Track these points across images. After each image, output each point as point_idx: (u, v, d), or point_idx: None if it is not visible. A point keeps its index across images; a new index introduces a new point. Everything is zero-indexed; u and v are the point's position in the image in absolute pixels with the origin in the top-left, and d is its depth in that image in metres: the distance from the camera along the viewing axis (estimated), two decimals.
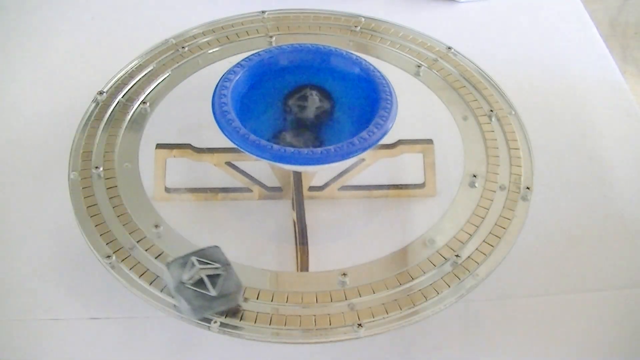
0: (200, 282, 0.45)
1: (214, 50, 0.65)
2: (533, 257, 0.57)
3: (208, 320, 0.45)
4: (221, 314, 0.46)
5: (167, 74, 0.63)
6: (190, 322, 0.46)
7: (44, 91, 0.71)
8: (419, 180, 0.60)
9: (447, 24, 0.81)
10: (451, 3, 0.84)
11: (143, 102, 0.60)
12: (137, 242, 0.50)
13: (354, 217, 0.59)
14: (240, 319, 0.46)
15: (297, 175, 0.56)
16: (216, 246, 0.48)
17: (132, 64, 0.63)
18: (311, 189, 0.59)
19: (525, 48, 0.79)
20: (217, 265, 0.46)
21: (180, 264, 0.46)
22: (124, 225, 0.51)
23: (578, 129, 0.69)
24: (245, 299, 0.47)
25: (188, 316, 0.45)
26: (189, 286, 0.45)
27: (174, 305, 0.46)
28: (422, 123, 0.65)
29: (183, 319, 0.46)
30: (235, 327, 0.46)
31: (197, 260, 0.46)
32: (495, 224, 0.52)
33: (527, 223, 0.52)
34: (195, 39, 0.66)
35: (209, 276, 0.45)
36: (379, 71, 0.56)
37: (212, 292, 0.45)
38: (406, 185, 0.60)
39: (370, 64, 0.57)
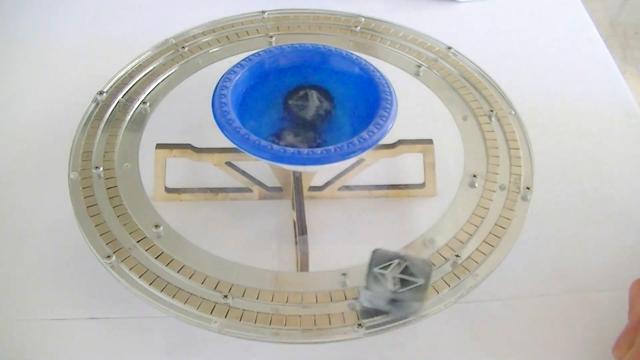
0: (404, 282, 0.45)
1: (214, 50, 0.65)
2: (533, 257, 0.57)
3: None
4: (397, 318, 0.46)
5: (167, 74, 0.63)
6: (190, 322, 0.46)
7: (43, 91, 0.71)
8: (419, 180, 0.60)
9: (447, 24, 0.81)
10: (451, 3, 0.84)
11: (143, 102, 0.60)
12: (137, 242, 0.50)
13: (354, 217, 0.59)
14: (240, 319, 0.46)
15: (297, 175, 0.56)
16: (376, 249, 0.47)
17: (132, 64, 0.63)
18: (311, 189, 0.59)
19: (525, 48, 0.79)
20: (395, 261, 0.46)
21: (372, 282, 0.46)
22: (124, 225, 0.51)
23: (578, 129, 0.69)
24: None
25: (419, 313, 0.46)
26: (402, 291, 0.45)
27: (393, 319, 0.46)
28: (422, 123, 0.65)
29: (183, 319, 0.46)
30: (235, 327, 0.46)
31: (378, 270, 0.46)
32: (495, 224, 0.52)
33: (527, 223, 0.52)
34: (195, 39, 0.66)
35: (401, 273, 0.45)
36: (379, 71, 0.56)
37: (420, 280, 0.45)
38: (406, 185, 0.60)
39: (370, 64, 0.57)
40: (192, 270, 0.49)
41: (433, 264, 0.49)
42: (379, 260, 0.46)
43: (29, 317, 0.52)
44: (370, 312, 0.46)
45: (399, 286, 0.45)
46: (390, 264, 0.46)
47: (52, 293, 0.53)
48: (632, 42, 1.38)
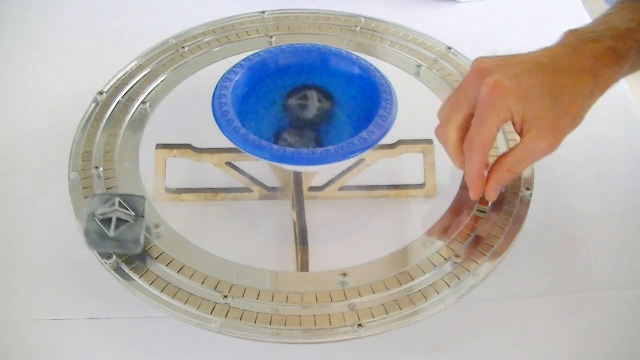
0: (107, 221, 0.48)
1: (214, 50, 0.65)
2: (533, 257, 0.57)
3: (108, 257, 0.48)
4: (118, 255, 0.48)
5: (167, 74, 0.63)
6: (190, 322, 0.46)
7: (44, 91, 0.71)
8: (419, 180, 0.60)
9: (447, 24, 0.81)
10: (451, 3, 0.84)
11: (143, 102, 0.60)
12: None
13: (354, 217, 0.59)
14: (240, 319, 0.46)
15: (297, 175, 0.56)
16: (142, 197, 0.51)
17: (132, 64, 0.63)
18: (311, 189, 0.59)
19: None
20: (131, 213, 0.49)
21: (104, 198, 0.49)
22: None
23: (578, 129, 0.69)
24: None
25: (86, 246, 0.48)
26: (96, 219, 0.48)
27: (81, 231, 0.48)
28: (422, 123, 0.65)
29: (183, 319, 0.46)
30: (235, 327, 0.46)
31: (120, 202, 0.49)
32: (495, 224, 0.52)
33: (527, 223, 0.52)
34: (195, 39, 0.66)
35: (118, 219, 0.48)
36: (379, 71, 0.56)
37: (110, 233, 0.48)
38: (406, 185, 0.60)
39: (370, 64, 0.57)
40: (192, 270, 0.49)
41: (443, 257, 0.50)
42: (131, 203, 0.49)
43: (29, 317, 0.52)
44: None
45: (101, 217, 0.48)
46: (128, 211, 0.49)
47: (52, 293, 0.53)
48: None
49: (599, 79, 0.47)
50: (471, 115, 0.48)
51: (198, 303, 0.47)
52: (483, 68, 0.49)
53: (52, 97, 0.70)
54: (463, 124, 0.49)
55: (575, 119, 0.48)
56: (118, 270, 0.48)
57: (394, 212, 0.59)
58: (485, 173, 0.50)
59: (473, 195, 0.50)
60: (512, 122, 0.47)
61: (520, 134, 0.48)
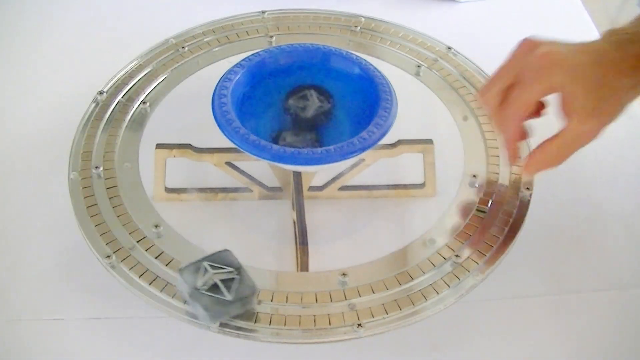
0: (214, 287, 0.45)
1: (214, 50, 0.65)
2: (533, 257, 0.57)
3: (224, 325, 0.45)
4: (237, 317, 0.46)
5: (167, 74, 0.63)
6: (190, 322, 0.46)
7: (43, 91, 0.71)
8: (419, 180, 0.60)
9: (447, 24, 0.81)
10: (451, 3, 0.84)
11: (143, 102, 0.60)
12: (137, 242, 0.50)
13: (354, 217, 0.59)
14: (240, 319, 0.46)
15: (297, 175, 0.56)
16: (227, 250, 0.47)
17: (132, 64, 0.63)
18: (311, 189, 0.59)
19: None
20: (230, 269, 0.46)
21: (193, 270, 0.46)
22: (124, 225, 0.51)
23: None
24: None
25: (205, 322, 0.45)
26: (204, 292, 0.45)
27: (188, 312, 0.46)
28: (422, 123, 0.65)
29: (183, 319, 0.46)
30: (235, 327, 0.46)
31: (210, 265, 0.46)
32: (496, 224, 0.52)
33: (527, 223, 0.52)
34: (195, 39, 0.66)
35: (222, 280, 0.45)
36: (379, 71, 0.56)
37: (228, 296, 0.45)
38: (406, 185, 0.60)
39: (370, 64, 0.57)
40: None
41: (443, 257, 0.50)
42: (220, 260, 0.46)
43: (29, 317, 0.52)
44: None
45: (206, 288, 0.45)
46: (224, 268, 0.46)
47: (52, 293, 0.53)
48: None
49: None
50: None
51: None
52: (534, 42, 0.48)
53: (52, 97, 0.70)
54: (506, 90, 0.48)
55: (617, 108, 0.47)
56: (118, 270, 0.48)
57: (394, 212, 0.59)
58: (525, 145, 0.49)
59: (509, 159, 0.51)
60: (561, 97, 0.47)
61: (563, 113, 0.47)
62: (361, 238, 0.57)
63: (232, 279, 0.46)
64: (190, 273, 0.46)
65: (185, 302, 0.46)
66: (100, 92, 0.60)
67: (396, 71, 0.63)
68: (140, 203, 0.53)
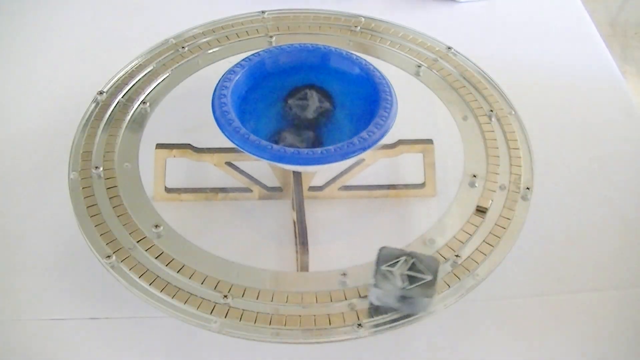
0: (412, 279, 0.46)
1: (214, 50, 0.65)
2: (533, 257, 0.57)
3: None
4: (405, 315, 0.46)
5: (167, 74, 0.63)
6: (190, 322, 0.46)
7: (44, 91, 0.71)
8: (419, 180, 0.60)
9: (447, 24, 0.81)
10: (451, 3, 0.84)
11: (143, 102, 0.60)
12: (137, 242, 0.50)
13: (354, 217, 0.59)
14: (240, 319, 0.46)
15: (297, 175, 0.56)
16: (384, 247, 0.48)
17: (132, 64, 0.63)
18: (311, 189, 0.59)
19: (525, 48, 0.79)
20: (403, 258, 0.46)
21: (381, 278, 0.46)
22: (124, 225, 0.51)
23: (578, 129, 0.69)
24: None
25: (423, 311, 0.46)
26: (409, 288, 0.45)
27: (400, 312, 0.46)
28: (422, 123, 0.65)
29: (183, 319, 0.46)
30: (235, 327, 0.46)
31: (387, 267, 0.46)
32: (495, 224, 0.52)
33: (527, 223, 0.52)
34: (195, 39, 0.66)
35: (410, 270, 0.46)
36: (379, 71, 0.56)
37: (429, 276, 0.46)
38: (406, 185, 0.60)
39: (370, 64, 0.57)
40: (192, 270, 0.49)
41: (443, 257, 0.49)
42: (386, 258, 0.47)
43: (29, 317, 0.52)
44: (379, 310, 0.47)
45: (408, 283, 0.45)
46: (398, 261, 0.46)
47: (52, 293, 0.53)
48: (632, 42, 1.38)
49: None
50: None
51: (198, 303, 0.47)
52: None
53: (52, 97, 0.70)
54: None
55: None
56: (118, 270, 0.48)
57: (394, 212, 0.59)
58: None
59: None
60: None
61: None
62: (361, 238, 0.57)
63: (413, 263, 0.46)
64: (384, 282, 0.46)
65: (396, 309, 0.46)
66: (100, 92, 0.60)
67: (396, 71, 0.63)
68: (140, 203, 0.53)
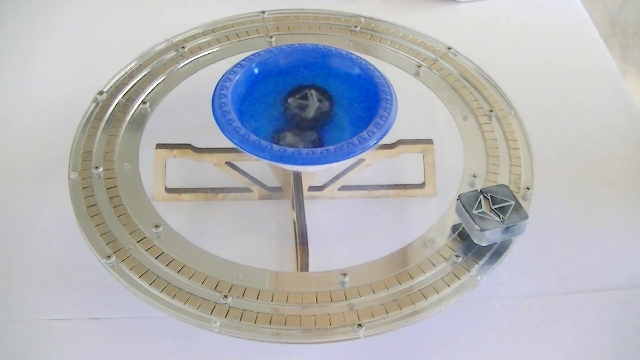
0: (493, 212, 0.49)
1: (214, 50, 0.65)
2: (533, 257, 0.57)
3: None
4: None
5: (167, 74, 0.63)
6: (190, 322, 0.46)
7: (44, 91, 0.71)
8: (419, 180, 0.60)
9: (447, 24, 0.81)
10: (451, 3, 0.84)
11: (143, 102, 0.60)
12: (137, 242, 0.50)
13: (354, 217, 0.59)
14: (240, 319, 0.46)
15: (297, 175, 0.56)
16: (505, 185, 0.51)
17: (132, 64, 0.63)
18: (311, 189, 0.59)
19: (525, 48, 0.79)
20: (507, 200, 0.50)
21: (472, 196, 0.50)
22: (124, 225, 0.51)
23: (578, 129, 0.69)
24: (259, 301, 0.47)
25: (479, 241, 0.49)
26: (483, 215, 0.49)
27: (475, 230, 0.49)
28: (422, 123, 0.65)
29: (183, 319, 0.46)
30: (235, 327, 0.46)
31: (485, 194, 0.50)
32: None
33: (528, 223, 0.52)
34: (195, 39, 0.66)
35: (498, 208, 0.49)
36: (379, 71, 0.56)
37: (511, 201, 0.49)
38: (406, 185, 0.60)
39: (370, 64, 0.57)
40: (192, 270, 0.49)
41: (443, 257, 0.50)
42: (469, 202, 0.50)
43: (29, 317, 0.52)
44: (487, 247, 0.49)
45: (503, 215, 0.49)
46: (479, 201, 0.49)
47: (52, 293, 0.53)
48: (632, 42, 1.38)
49: None
50: None
51: (198, 303, 0.47)
52: None
53: (53, 97, 0.70)
54: None
55: None
56: (118, 270, 0.48)
57: (394, 212, 0.59)
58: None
59: None
60: None
61: None
62: (361, 238, 0.57)
63: (491, 197, 0.50)
64: (486, 223, 0.49)
65: (463, 227, 0.50)
66: (100, 92, 0.60)
67: (396, 71, 0.63)
68: (140, 203, 0.53)
